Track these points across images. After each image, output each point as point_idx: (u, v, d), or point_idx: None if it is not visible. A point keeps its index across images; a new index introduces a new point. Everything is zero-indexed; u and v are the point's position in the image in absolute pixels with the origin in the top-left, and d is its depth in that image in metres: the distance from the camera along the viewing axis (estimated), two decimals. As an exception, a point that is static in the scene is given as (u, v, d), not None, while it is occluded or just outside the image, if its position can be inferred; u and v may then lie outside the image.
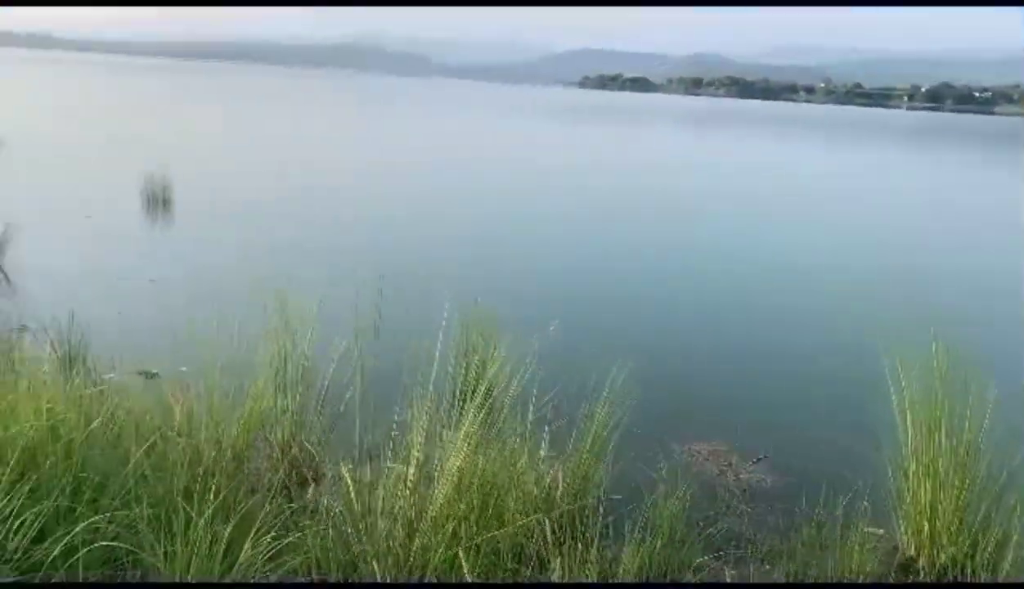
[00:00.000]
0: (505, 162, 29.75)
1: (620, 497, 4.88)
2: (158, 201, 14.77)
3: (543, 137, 48.02)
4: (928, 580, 4.40)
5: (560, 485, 4.33)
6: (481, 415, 3.89)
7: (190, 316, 8.55)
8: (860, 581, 4.23)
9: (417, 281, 10.31)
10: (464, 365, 5.24)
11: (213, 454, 4.20)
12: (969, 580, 4.26)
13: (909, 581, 4.46)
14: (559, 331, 5.75)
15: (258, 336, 5.31)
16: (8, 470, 3.05)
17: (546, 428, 4.72)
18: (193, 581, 3.06)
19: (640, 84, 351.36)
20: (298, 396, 5.17)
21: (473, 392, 4.17)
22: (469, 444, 3.74)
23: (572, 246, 14.56)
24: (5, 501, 2.92)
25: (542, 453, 4.53)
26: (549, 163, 30.46)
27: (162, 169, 15.15)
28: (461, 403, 4.40)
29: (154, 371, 6.78)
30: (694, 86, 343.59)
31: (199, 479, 3.82)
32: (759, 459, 5.96)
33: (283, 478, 4.40)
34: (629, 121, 75.74)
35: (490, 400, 4.13)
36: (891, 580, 4.41)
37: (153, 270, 10.67)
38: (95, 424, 3.96)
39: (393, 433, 4.17)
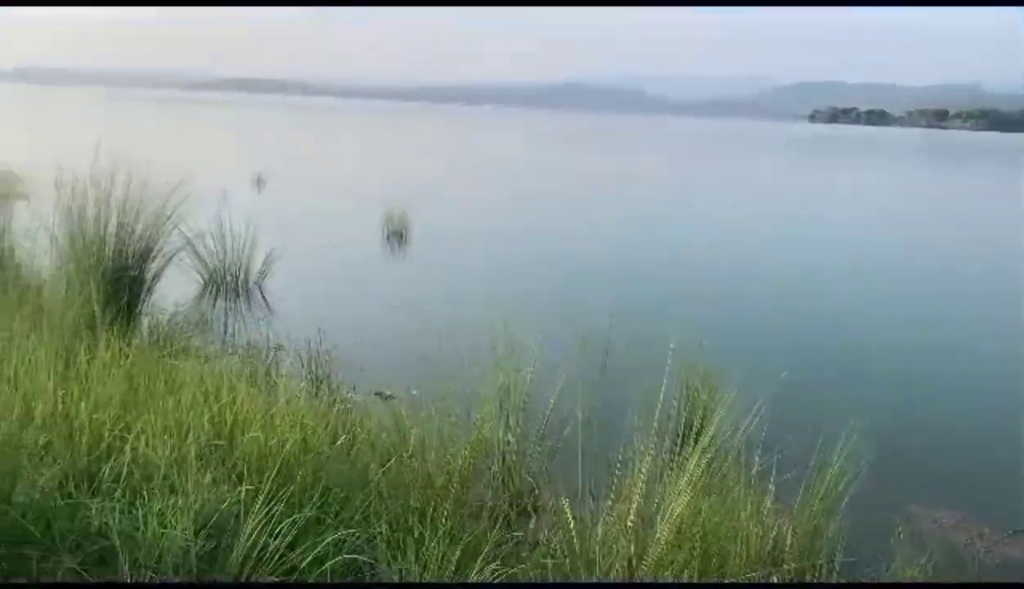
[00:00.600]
0: (752, 205, 28.99)
1: (854, 560, 4.55)
2: (397, 234, 15.86)
3: (790, 179, 46.26)
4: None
5: (788, 540, 4.12)
6: (705, 460, 3.80)
7: (422, 342, 9.16)
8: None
9: (647, 320, 10.20)
10: (688, 408, 5.15)
11: (442, 479, 4.42)
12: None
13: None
14: (790, 381, 5.49)
15: (484, 364, 5.51)
16: (271, 478, 3.36)
17: (772, 480, 4.51)
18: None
19: (877, 117, 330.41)
20: (520, 426, 5.31)
21: (697, 436, 4.08)
22: (692, 489, 3.65)
23: (817, 296, 13.77)
24: (268, 507, 3.21)
25: (767, 505, 4.33)
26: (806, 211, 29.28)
27: (402, 204, 16.29)
28: (684, 447, 4.32)
29: (389, 393, 7.22)
30: (939, 118, 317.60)
31: (430, 501, 4.03)
32: (1014, 532, 5.33)
33: (505, 507, 4.52)
34: (888, 162, 71.21)
35: (714, 446, 4.01)
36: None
37: (391, 297, 11.42)
38: (340, 440, 4.30)
39: (615, 471, 4.16)
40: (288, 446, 3.84)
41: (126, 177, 7.75)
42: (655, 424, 4.07)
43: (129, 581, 2.98)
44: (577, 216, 22.01)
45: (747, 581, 3.76)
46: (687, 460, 3.82)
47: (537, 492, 5.01)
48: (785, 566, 3.90)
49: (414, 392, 6.94)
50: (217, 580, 3.10)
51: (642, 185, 33.65)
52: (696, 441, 3.99)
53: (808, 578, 3.99)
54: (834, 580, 3.91)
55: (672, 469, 3.96)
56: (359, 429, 5.00)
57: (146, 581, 3.02)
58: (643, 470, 3.81)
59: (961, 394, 8.81)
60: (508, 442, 5.13)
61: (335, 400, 5.98)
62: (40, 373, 3.99)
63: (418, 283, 13.01)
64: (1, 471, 2.99)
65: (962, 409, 8.28)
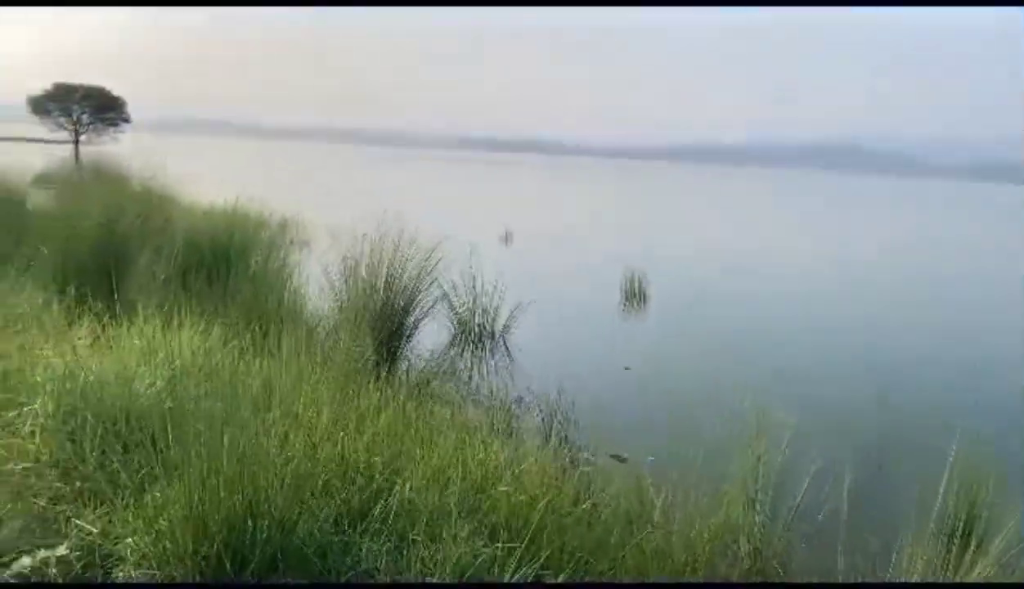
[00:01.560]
0: None
1: None
2: (635, 295, 15.86)
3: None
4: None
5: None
6: (990, 572, 3.39)
7: (659, 407, 9.02)
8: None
9: (916, 405, 9.32)
10: (966, 509, 4.63)
11: (685, 555, 4.29)
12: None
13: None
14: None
15: (722, 436, 5.32)
16: (523, 537, 3.43)
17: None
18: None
19: None
20: (769, 509, 5.05)
21: (979, 544, 3.66)
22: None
23: None
24: (519, 566, 3.27)
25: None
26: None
27: (641, 264, 16.29)
28: (960, 553, 3.88)
29: (624, 455, 7.17)
30: None
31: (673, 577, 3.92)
32: None
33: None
34: None
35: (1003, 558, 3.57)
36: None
37: (627, 358, 11.39)
38: (585, 505, 4.31)
39: (878, 568, 3.83)
40: (538, 506, 3.90)
41: (394, 232, 8.43)
42: (931, 523, 3.70)
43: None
44: (846, 286, 20.74)
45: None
46: (969, 567, 3.43)
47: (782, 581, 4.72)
48: None
49: (650, 458, 6.84)
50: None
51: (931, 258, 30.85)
52: (978, 547, 3.58)
53: None
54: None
55: (948, 572, 3.57)
56: (600, 493, 4.99)
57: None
58: (916, 571, 3.47)
59: None
60: (756, 524, 4.89)
61: (573, 459, 6.03)
62: (323, 413, 4.38)
63: (655, 345, 12.88)
64: (290, 502, 3.29)
65: None
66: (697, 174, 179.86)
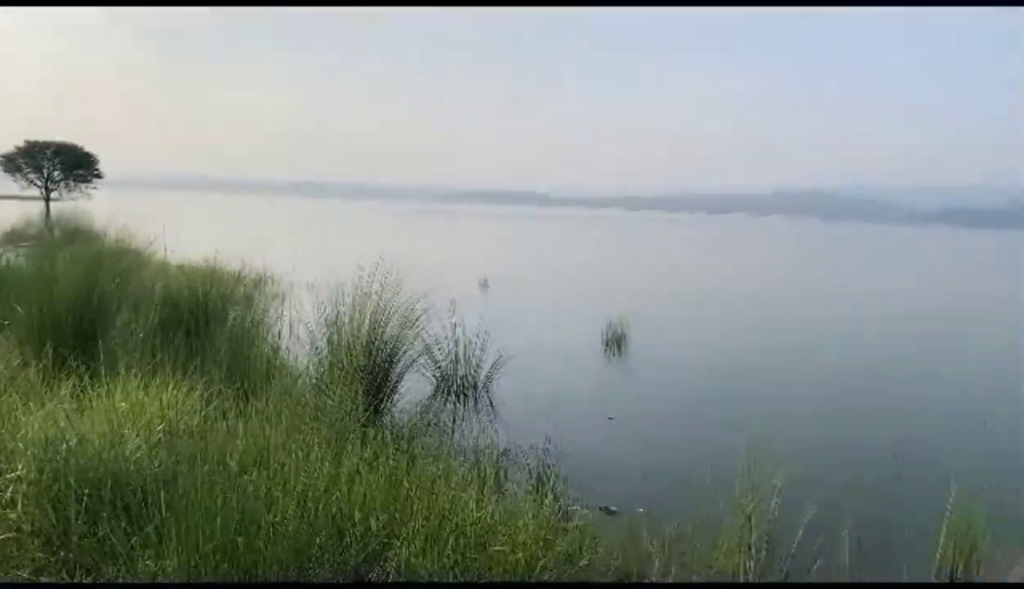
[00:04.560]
0: None
1: None
2: (616, 344, 15.85)
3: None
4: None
5: None
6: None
7: (646, 457, 8.95)
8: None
9: (910, 459, 9.15)
10: (962, 564, 4.60)
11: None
12: None
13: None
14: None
15: (706, 486, 5.27)
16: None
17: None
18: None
19: None
20: (762, 560, 4.98)
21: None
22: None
23: None
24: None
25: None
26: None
27: (621, 314, 16.30)
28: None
29: (614, 508, 7.08)
30: None
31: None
32: None
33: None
34: None
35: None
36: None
37: (609, 408, 11.33)
38: (583, 563, 4.23)
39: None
40: (536, 564, 3.83)
41: (377, 285, 8.37)
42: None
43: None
44: (826, 331, 20.76)
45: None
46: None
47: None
48: None
49: (639, 509, 6.76)
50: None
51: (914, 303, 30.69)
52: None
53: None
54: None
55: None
56: (594, 549, 4.91)
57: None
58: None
59: None
60: (752, 572, 4.82)
61: (564, 513, 5.94)
62: (314, 472, 4.29)
63: (635, 394, 12.85)
64: (287, 564, 3.20)
65: None
66: (670, 222, 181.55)
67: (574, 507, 6.47)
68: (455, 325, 11.25)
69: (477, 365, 11.55)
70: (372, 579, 3.54)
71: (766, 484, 5.18)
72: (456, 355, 11.38)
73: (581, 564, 4.26)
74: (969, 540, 4.48)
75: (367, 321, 8.21)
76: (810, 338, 19.56)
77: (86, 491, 3.73)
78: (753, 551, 4.95)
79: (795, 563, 4.97)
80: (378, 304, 8.32)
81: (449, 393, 11.27)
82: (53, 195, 59.85)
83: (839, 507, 5.91)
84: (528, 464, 7.47)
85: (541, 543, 4.21)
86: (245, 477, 3.58)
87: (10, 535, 3.73)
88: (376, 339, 8.18)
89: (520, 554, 4.03)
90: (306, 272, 16.18)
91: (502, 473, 7.10)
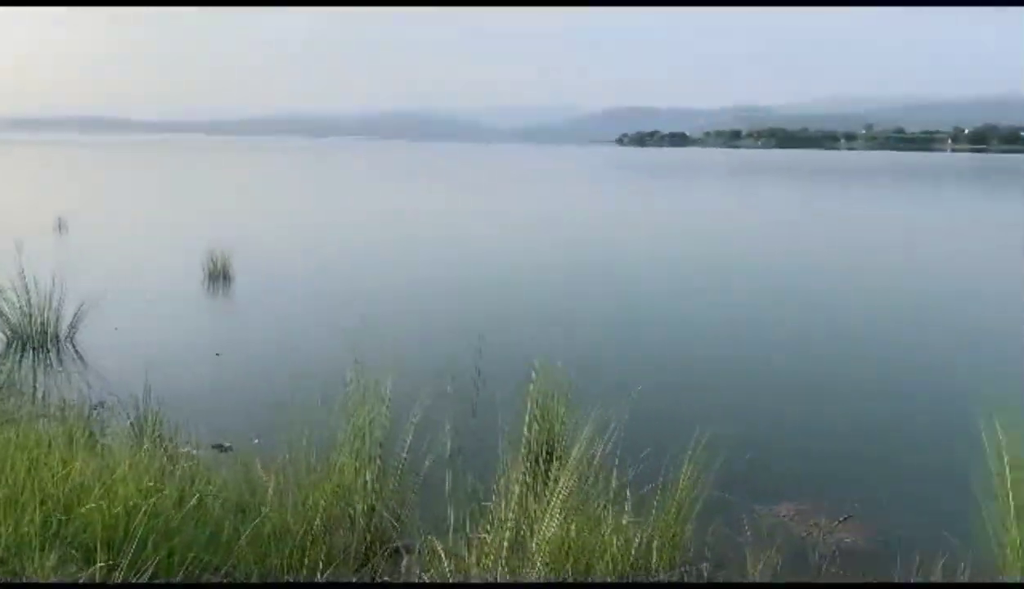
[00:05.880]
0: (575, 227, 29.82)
1: (706, 564, 4.79)
2: (219, 276, 15.15)
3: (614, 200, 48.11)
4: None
5: (654, 553, 4.27)
6: (571, 483, 3.88)
7: (256, 388, 8.79)
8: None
9: (494, 346, 10.07)
10: (547, 431, 5.23)
11: (302, 528, 4.25)
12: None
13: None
14: (642, 396, 5.72)
15: (332, 407, 5.34)
16: (124, 551, 3.11)
17: (628, 493, 4.67)
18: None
19: (678, 139, 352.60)
20: (379, 466, 5.17)
21: (560, 459, 4.16)
22: (563, 513, 3.72)
23: (656, 309, 14.32)
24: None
25: (626, 520, 4.48)
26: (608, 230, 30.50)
27: (224, 245, 15.58)
28: (546, 470, 4.39)
29: (227, 444, 6.89)
30: (733, 139, 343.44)
31: (292, 553, 3.87)
32: (846, 518, 5.81)
33: (375, 550, 4.41)
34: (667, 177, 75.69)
35: (579, 467, 4.11)
36: None
37: (216, 344, 10.88)
38: (193, 502, 4.03)
39: (480, 502, 4.17)
40: (137, 514, 3.56)
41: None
42: (521, 450, 4.12)
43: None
44: (409, 245, 21.89)
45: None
46: (554, 485, 3.88)
47: (405, 531, 4.92)
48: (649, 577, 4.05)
49: (256, 441, 6.65)
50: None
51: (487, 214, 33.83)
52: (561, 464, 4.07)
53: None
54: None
55: (537, 494, 4.03)
56: (207, 486, 4.71)
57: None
58: (512, 498, 3.84)
59: (786, 389, 9.49)
60: (367, 483, 4.99)
61: (172, 457, 5.61)
62: None
63: (244, 327, 12.51)
64: None
65: (790, 404, 8.91)
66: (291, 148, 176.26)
67: (185, 449, 6.17)
68: (23, 271, 9.85)
69: (57, 314, 10.29)
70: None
71: (378, 395, 5.35)
72: (29, 304, 10.01)
73: (192, 503, 4.05)
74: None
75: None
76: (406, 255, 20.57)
77: None
78: (368, 459, 5.10)
79: (412, 463, 5.23)
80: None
81: (25, 349, 9.93)
82: None
83: (445, 408, 6.31)
84: (128, 414, 6.90)
85: (144, 491, 3.92)
86: None
87: None
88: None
89: (120, 507, 3.72)
90: None
91: (97, 429, 6.50)
